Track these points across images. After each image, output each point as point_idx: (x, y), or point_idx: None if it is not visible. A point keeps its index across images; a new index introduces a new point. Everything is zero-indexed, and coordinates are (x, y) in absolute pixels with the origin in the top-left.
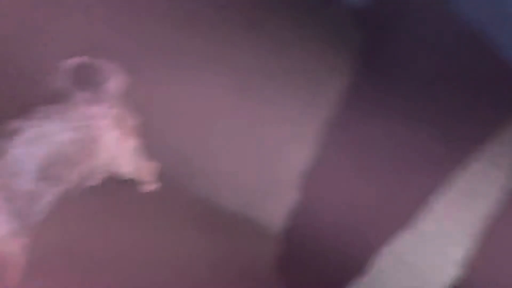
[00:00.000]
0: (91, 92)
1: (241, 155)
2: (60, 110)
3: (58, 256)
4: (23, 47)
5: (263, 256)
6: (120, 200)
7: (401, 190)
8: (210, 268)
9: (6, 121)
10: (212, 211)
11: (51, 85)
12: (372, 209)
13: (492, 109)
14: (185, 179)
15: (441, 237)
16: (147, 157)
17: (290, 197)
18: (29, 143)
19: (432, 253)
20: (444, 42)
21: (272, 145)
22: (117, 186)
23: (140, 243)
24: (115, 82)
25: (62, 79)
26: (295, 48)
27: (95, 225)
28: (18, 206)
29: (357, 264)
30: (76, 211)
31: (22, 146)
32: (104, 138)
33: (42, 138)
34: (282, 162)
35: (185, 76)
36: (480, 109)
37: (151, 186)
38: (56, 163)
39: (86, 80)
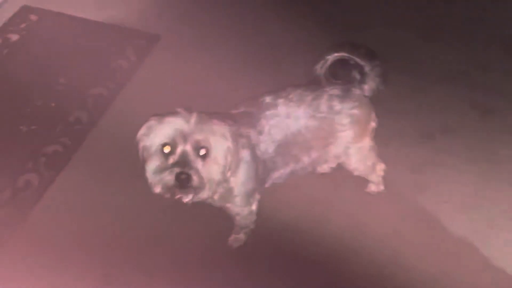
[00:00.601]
0: (341, 89)
1: None
2: (311, 98)
3: None
4: None
5: None
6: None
7: None
8: None
9: (264, 96)
10: None
11: (311, 73)
12: None
13: None
14: None
15: None
16: (377, 159)
17: None
18: (277, 119)
19: None
20: None
21: None
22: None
23: None
24: (367, 84)
25: (321, 70)
26: None
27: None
28: (257, 168)
29: None
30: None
31: (272, 120)
32: (341, 134)
33: (288, 118)
34: None
35: None
36: None
37: (378, 188)
38: (294, 143)
39: (341, 76)
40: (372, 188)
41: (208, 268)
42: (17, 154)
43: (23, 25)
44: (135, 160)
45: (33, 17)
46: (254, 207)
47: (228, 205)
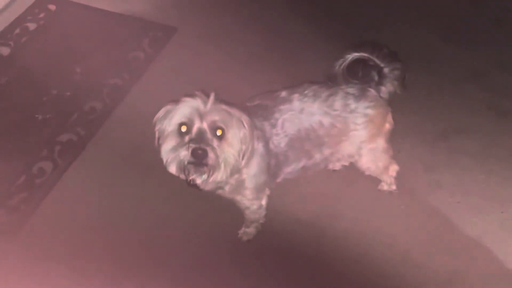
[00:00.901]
0: (358, 88)
1: None
2: (326, 94)
3: None
4: None
5: None
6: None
7: None
8: None
9: (279, 91)
10: None
11: (329, 71)
12: None
13: None
14: None
15: None
16: (389, 160)
17: None
18: (291, 113)
19: None
20: None
21: None
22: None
23: None
24: (385, 86)
25: (339, 68)
26: None
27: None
28: (269, 161)
29: None
30: None
31: (286, 114)
32: (355, 133)
33: (302, 113)
34: None
35: None
36: None
37: (390, 187)
38: (307, 138)
39: (359, 75)
40: (384, 187)
41: (217, 261)
42: (32, 141)
43: (41, 15)
44: (149, 152)
45: (51, 7)
46: (264, 202)
47: (238, 197)
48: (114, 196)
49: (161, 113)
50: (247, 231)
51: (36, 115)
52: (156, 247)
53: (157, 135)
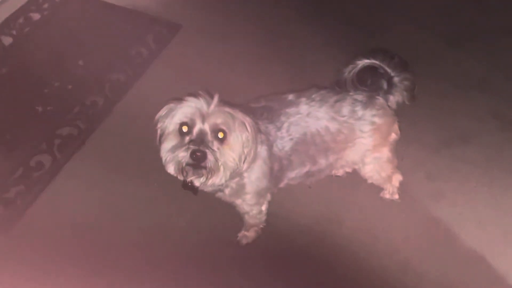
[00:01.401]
0: (366, 96)
1: None
2: (333, 100)
3: None
4: None
5: None
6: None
7: None
8: None
9: (286, 94)
10: None
11: (337, 76)
12: None
13: None
14: None
15: None
16: (393, 169)
17: None
18: (297, 117)
19: None
20: None
21: None
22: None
23: None
24: (393, 96)
25: (349, 74)
26: None
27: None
28: (272, 166)
29: None
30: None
31: (292, 117)
32: (360, 141)
33: (309, 117)
34: None
35: None
36: None
37: (392, 196)
38: (312, 143)
39: (368, 83)
40: (387, 195)
41: (215, 263)
42: (32, 134)
43: (45, 5)
44: (149, 149)
45: None
46: (264, 207)
47: (238, 201)
48: (112, 193)
49: (163, 111)
50: (247, 235)
51: (37, 107)
52: (154, 248)
53: (158, 132)
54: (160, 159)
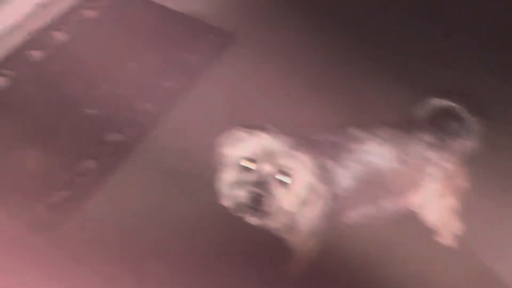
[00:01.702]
0: (437, 138)
1: None
2: (402, 140)
3: None
4: None
5: None
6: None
7: None
8: None
9: (351, 128)
10: None
11: (406, 113)
12: None
13: None
14: None
15: None
16: (454, 217)
17: None
18: (361, 155)
19: None
20: None
21: None
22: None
23: None
24: (466, 140)
25: (420, 112)
26: None
27: None
28: (330, 203)
29: None
30: None
31: (355, 154)
32: (426, 184)
33: (372, 154)
34: None
35: None
36: None
37: (447, 241)
38: (374, 183)
39: (440, 124)
40: (443, 240)
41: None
42: (79, 137)
43: (101, 3)
44: (199, 163)
45: None
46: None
47: (286, 236)
48: (158, 205)
49: (228, 137)
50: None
51: (86, 110)
52: (194, 260)
53: (218, 158)
54: (206, 174)
